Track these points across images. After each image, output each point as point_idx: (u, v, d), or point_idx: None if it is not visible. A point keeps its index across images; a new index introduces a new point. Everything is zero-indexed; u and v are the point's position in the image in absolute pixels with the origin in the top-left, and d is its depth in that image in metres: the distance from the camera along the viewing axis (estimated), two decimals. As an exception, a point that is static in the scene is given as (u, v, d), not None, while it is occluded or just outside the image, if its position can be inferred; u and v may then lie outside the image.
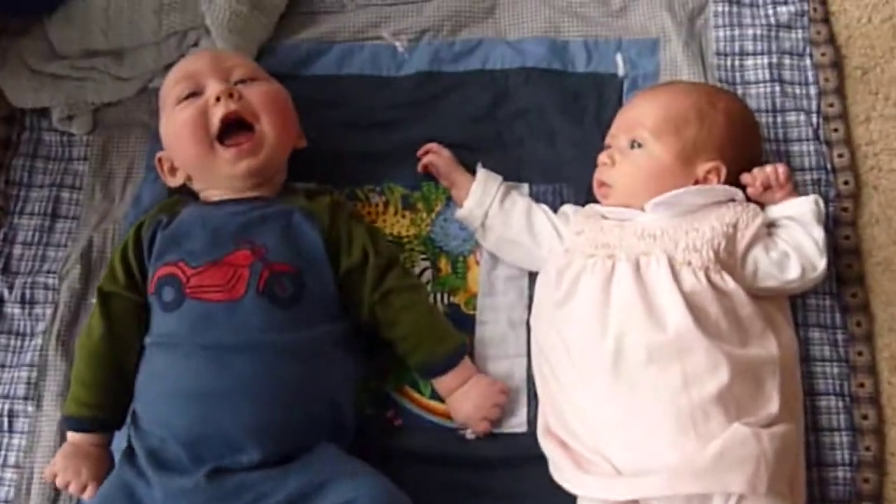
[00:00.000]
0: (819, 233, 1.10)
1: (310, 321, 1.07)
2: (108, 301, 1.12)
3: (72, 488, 1.08)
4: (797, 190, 1.16)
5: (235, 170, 1.13)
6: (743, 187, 1.13)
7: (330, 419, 1.07)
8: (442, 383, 1.14)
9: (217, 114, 1.13)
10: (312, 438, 1.04)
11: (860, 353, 1.19)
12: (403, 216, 1.30)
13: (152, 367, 1.07)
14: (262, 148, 1.14)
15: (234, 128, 1.14)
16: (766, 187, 1.13)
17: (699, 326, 1.00)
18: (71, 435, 1.12)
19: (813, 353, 1.18)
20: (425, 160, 1.29)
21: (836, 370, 1.17)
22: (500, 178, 1.24)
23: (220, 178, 1.15)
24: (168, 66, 1.35)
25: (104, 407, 1.10)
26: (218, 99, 1.13)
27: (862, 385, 1.17)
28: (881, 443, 1.14)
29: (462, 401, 1.13)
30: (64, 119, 1.38)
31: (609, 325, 1.03)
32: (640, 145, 1.14)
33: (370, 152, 1.33)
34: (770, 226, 1.13)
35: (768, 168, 1.13)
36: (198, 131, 1.13)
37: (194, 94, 1.15)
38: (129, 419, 1.10)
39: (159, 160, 1.21)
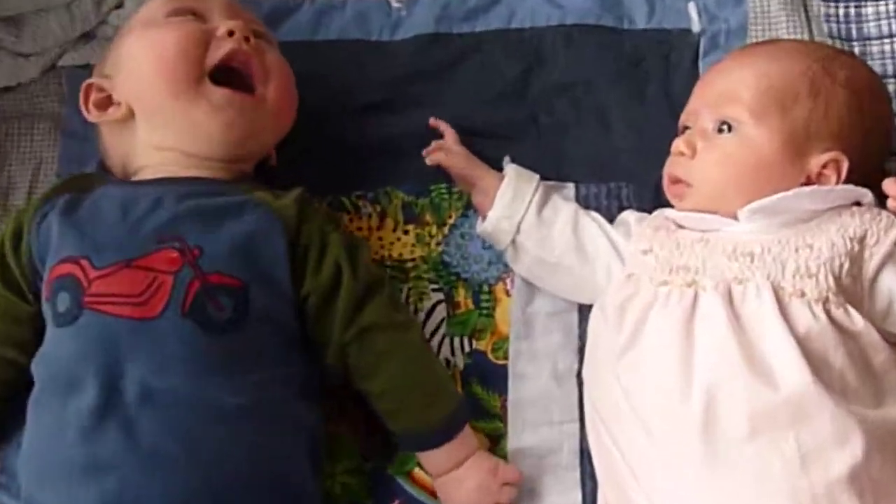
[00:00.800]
0: None
1: (254, 359, 0.92)
2: None
3: None
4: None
5: (216, 118, 0.99)
6: (872, 187, 0.98)
7: (279, 497, 0.92)
8: (430, 459, 1.00)
9: (224, 47, 1.01)
10: None
11: None
12: (406, 232, 1.15)
13: (38, 421, 0.92)
14: (256, 112, 1.02)
15: (227, 80, 1.02)
16: None
17: (820, 382, 0.86)
18: None
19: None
20: (431, 159, 1.15)
21: None
22: (536, 176, 1.10)
23: (184, 126, 1.01)
24: (82, 37, 1.24)
25: None
26: (231, 34, 1.02)
27: None
28: None
29: (454, 490, 1.00)
30: (-53, 111, 1.24)
31: (694, 381, 0.89)
32: (731, 128, 1.00)
33: (359, 146, 1.19)
34: None
35: None
36: (190, 54, 0.99)
37: (195, 14, 1.05)
38: None
39: (89, 85, 1.07)
